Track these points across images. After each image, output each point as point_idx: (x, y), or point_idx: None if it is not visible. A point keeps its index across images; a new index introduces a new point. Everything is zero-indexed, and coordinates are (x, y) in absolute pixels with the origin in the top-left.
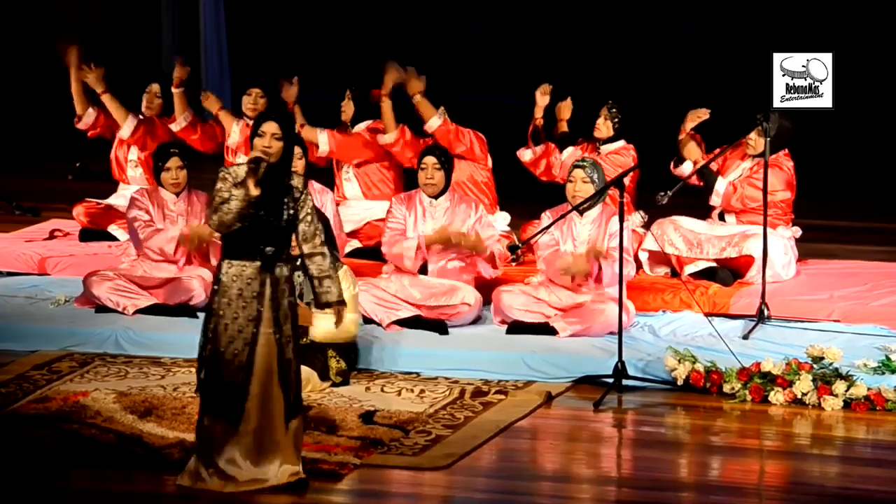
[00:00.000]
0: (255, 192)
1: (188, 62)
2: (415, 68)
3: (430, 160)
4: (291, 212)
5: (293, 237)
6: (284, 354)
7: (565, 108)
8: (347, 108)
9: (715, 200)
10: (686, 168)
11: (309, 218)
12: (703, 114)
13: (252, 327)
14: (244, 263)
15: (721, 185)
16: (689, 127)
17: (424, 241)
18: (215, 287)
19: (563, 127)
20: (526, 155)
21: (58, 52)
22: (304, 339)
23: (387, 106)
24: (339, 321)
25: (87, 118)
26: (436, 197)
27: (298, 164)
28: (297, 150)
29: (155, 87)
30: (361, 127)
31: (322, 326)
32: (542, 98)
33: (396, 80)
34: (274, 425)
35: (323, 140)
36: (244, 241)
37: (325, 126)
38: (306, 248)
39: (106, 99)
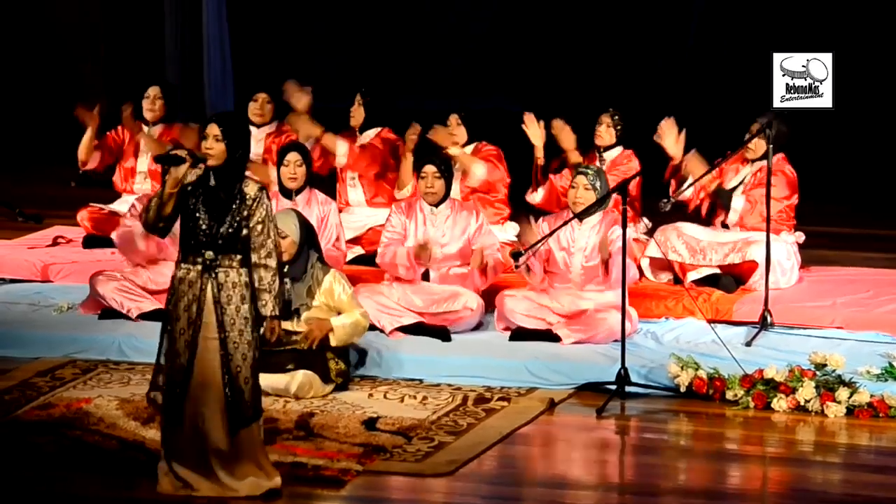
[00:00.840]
0: (188, 178)
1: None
2: (442, 125)
3: (429, 169)
4: (238, 218)
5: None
6: (232, 360)
7: (566, 138)
8: (357, 114)
9: (733, 218)
10: (687, 191)
11: (259, 227)
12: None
13: (192, 331)
14: (189, 267)
15: (738, 202)
16: (675, 151)
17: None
18: (170, 288)
19: (575, 157)
20: (535, 197)
21: (79, 115)
22: (302, 345)
23: (408, 162)
24: (270, 335)
25: (92, 162)
26: (436, 205)
27: (299, 172)
28: (297, 156)
29: (154, 90)
30: (371, 134)
31: (339, 333)
32: (535, 136)
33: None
34: (213, 433)
35: (342, 152)
36: (186, 244)
37: (331, 130)
38: (252, 258)
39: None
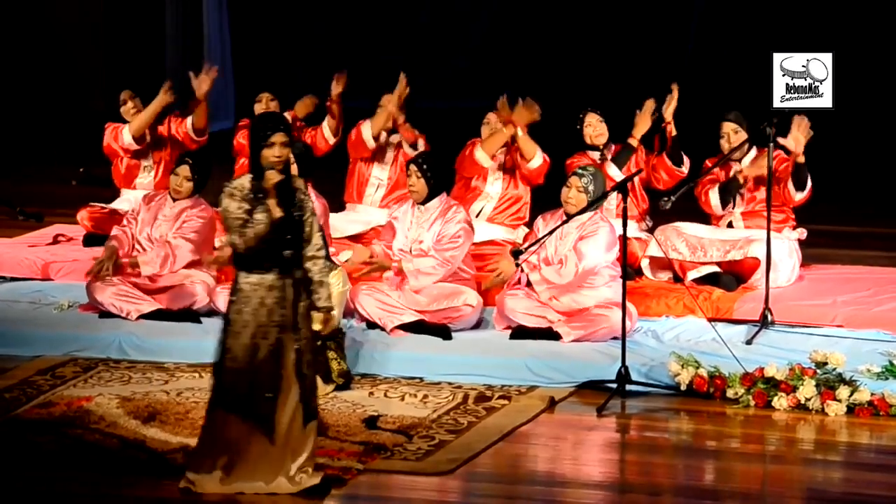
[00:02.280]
0: (278, 213)
1: (191, 64)
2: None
3: (412, 168)
4: (297, 212)
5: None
6: (304, 356)
7: (668, 108)
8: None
9: (717, 209)
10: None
11: (311, 219)
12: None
13: (277, 333)
14: (264, 271)
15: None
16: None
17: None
18: (233, 298)
19: (672, 130)
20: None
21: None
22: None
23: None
24: (325, 327)
25: (140, 140)
26: (422, 203)
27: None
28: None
29: (126, 93)
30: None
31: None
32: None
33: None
34: (295, 430)
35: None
36: (265, 252)
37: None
38: (307, 251)
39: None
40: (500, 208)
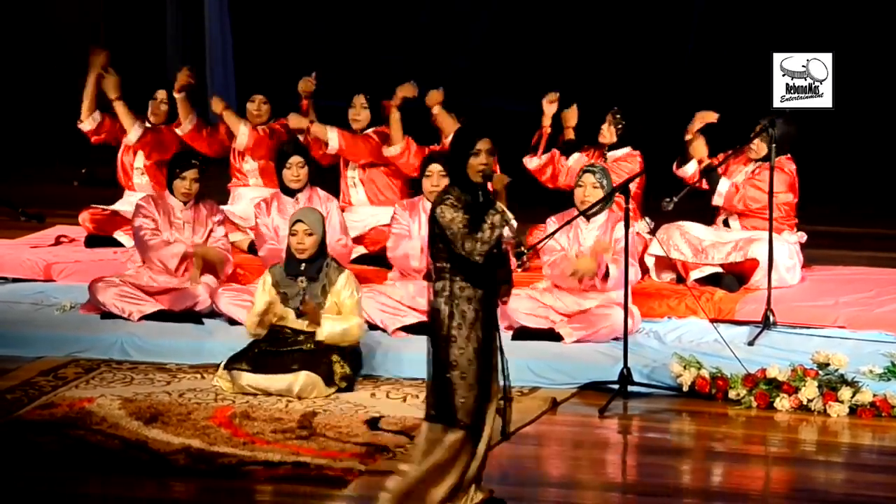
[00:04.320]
0: (513, 221)
1: (192, 65)
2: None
3: (435, 168)
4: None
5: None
6: (504, 357)
7: (571, 116)
8: (362, 116)
9: (717, 200)
10: (689, 168)
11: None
12: (711, 116)
13: (489, 343)
14: (476, 284)
15: (724, 185)
16: (697, 127)
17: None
18: (447, 310)
19: (570, 134)
20: (532, 162)
21: (90, 51)
22: (309, 344)
23: (395, 117)
24: (504, 296)
25: (89, 122)
26: None
27: (301, 173)
28: (299, 158)
29: (161, 93)
30: (368, 130)
31: (328, 328)
32: (549, 107)
33: (410, 95)
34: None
35: (333, 137)
36: (474, 263)
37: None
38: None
39: (118, 105)
40: None
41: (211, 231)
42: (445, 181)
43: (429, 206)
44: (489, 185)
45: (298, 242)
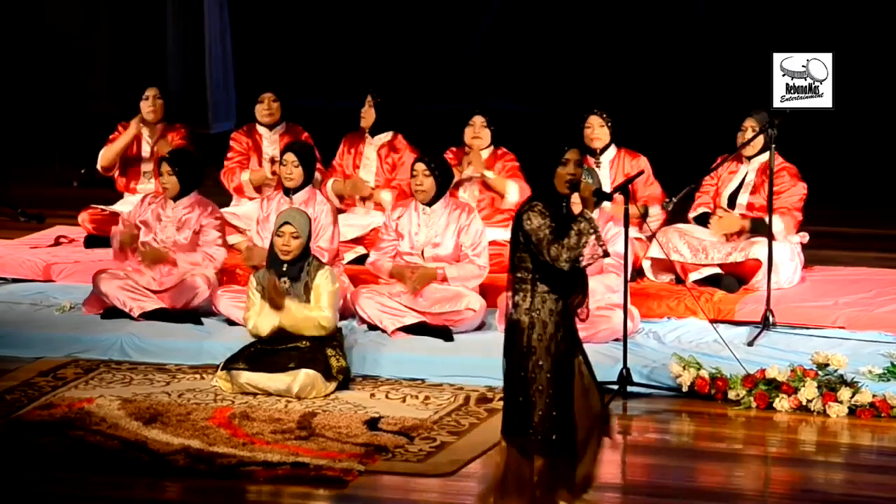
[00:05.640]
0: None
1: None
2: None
3: (419, 167)
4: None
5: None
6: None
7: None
8: (368, 115)
9: (779, 235)
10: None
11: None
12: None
13: (571, 355)
14: (559, 295)
15: (777, 223)
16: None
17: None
18: (528, 322)
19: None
20: None
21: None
22: (305, 342)
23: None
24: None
25: (110, 168)
26: (429, 204)
27: (295, 172)
28: (293, 157)
29: (151, 90)
30: (383, 138)
31: (288, 315)
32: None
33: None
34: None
35: (387, 199)
36: (559, 274)
37: (337, 131)
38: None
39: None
40: (483, 212)
41: (198, 231)
42: (430, 181)
43: (422, 207)
44: (579, 194)
45: (284, 244)
